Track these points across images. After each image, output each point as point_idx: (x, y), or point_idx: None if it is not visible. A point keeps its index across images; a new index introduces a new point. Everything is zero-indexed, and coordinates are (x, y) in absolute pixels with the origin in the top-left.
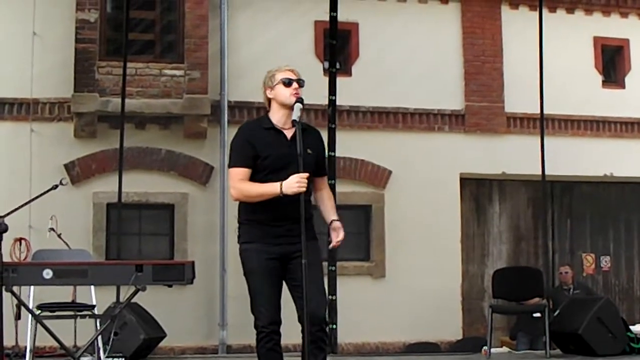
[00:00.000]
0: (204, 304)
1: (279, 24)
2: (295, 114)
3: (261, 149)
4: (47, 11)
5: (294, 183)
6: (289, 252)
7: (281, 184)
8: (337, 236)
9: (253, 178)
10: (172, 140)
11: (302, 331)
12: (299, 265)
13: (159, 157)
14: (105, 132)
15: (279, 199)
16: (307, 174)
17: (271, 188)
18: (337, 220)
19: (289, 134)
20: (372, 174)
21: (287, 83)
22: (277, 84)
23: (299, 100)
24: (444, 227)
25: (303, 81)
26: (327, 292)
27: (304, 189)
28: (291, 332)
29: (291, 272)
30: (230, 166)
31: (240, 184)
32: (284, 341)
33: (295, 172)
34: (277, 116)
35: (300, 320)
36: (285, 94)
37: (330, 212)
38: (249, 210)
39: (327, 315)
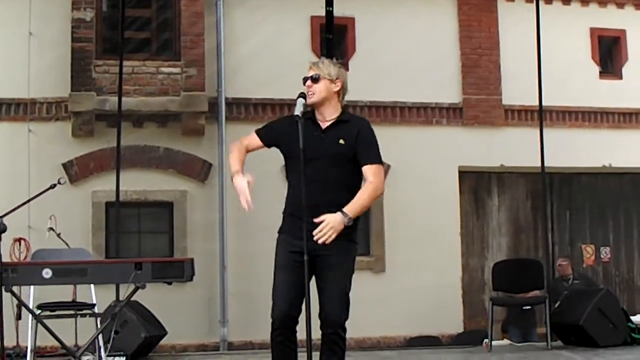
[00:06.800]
0: (205, 302)
1: (275, 19)
2: (297, 109)
3: (284, 137)
4: (43, 11)
5: (238, 190)
6: (315, 248)
7: (235, 173)
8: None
9: (286, 165)
10: (170, 137)
11: (307, 329)
12: (324, 264)
13: (157, 154)
14: (102, 131)
15: (309, 190)
16: (248, 199)
17: (232, 166)
18: (341, 213)
19: (323, 125)
20: None
21: (304, 81)
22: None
23: (301, 95)
24: (443, 221)
25: (315, 75)
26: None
27: (246, 208)
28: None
29: (316, 270)
30: None
31: (237, 142)
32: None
33: (314, 164)
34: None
35: (320, 318)
36: None
37: (349, 203)
38: (286, 201)
39: (344, 320)
